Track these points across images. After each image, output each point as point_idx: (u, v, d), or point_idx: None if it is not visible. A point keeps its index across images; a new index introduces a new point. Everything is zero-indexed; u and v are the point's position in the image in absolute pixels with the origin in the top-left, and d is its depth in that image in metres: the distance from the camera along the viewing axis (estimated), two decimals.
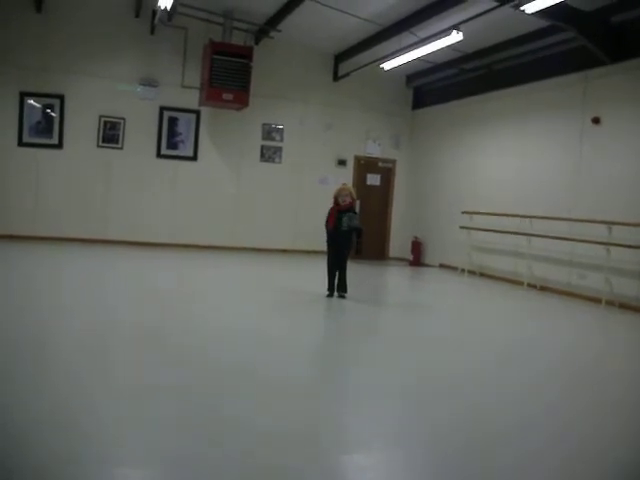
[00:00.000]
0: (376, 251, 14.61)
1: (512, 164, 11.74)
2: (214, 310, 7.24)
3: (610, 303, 9.26)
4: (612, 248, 9.15)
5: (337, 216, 8.12)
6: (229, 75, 12.07)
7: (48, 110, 12.30)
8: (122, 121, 12.75)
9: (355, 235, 8.24)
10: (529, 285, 10.84)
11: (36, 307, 6.50)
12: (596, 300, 9.46)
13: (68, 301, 6.98)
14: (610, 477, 3.34)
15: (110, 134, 12.70)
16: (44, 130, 12.30)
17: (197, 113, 13.26)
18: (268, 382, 4.54)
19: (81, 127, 12.50)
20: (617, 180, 9.42)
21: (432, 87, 14.32)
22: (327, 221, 8.25)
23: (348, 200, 8.21)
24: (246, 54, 12.22)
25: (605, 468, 3.42)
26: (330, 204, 8.35)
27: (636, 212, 8.98)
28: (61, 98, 12.31)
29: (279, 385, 4.50)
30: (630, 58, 9.17)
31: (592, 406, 4.53)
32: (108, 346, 5.19)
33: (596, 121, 9.81)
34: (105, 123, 12.66)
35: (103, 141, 12.69)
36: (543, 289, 10.67)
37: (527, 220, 10.85)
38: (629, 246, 8.85)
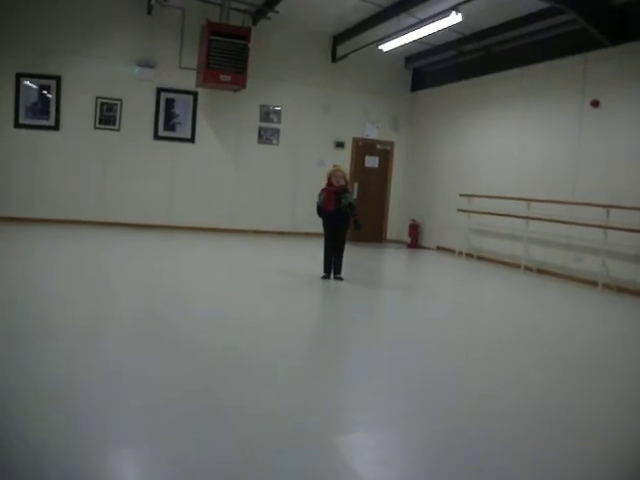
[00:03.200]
0: (373, 233, 14.62)
1: (511, 147, 11.71)
2: (209, 292, 7.25)
3: (607, 286, 9.29)
4: (609, 231, 9.16)
5: (336, 198, 8.13)
6: (227, 56, 11.96)
7: (44, 91, 12.22)
8: (119, 102, 12.68)
9: (351, 212, 8.22)
10: (526, 268, 10.86)
11: (33, 293, 6.52)
12: (593, 283, 9.49)
13: (65, 287, 6.99)
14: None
15: (107, 116, 12.63)
16: (40, 111, 12.23)
17: (194, 94, 13.19)
18: (263, 364, 4.56)
19: (78, 108, 12.43)
20: (616, 163, 9.41)
21: (431, 69, 14.24)
22: (323, 203, 8.23)
23: (342, 182, 8.22)
24: (244, 35, 12.11)
25: (598, 446, 3.45)
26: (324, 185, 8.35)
27: (635, 195, 8.99)
28: (57, 79, 12.23)
29: (275, 367, 4.52)
30: (630, 41, 9.11)
31: (590, 389, 4.56)
32: (103, 333, 5.19)
33: (595, 104, 9.78)
34: (102, 104, 12.58)
35: (100, 123, 12.62)
36: (540, 272, 10.70)
37: (525, 203, 10.85)
38: (627, 229, 8.85)
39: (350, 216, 8.25)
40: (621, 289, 9.16)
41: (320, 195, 8.32)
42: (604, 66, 9.70)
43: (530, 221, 10.70)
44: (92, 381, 3.89)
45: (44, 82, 12.20)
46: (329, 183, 8.26)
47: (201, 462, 2.93)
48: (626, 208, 8.93)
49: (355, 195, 12.38)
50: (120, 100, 12.69)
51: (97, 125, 12.62)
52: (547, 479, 3.06)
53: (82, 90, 12.40)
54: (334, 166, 8.88)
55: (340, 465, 3.06)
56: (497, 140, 12.14)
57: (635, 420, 4.03)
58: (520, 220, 10.93)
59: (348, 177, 8.60)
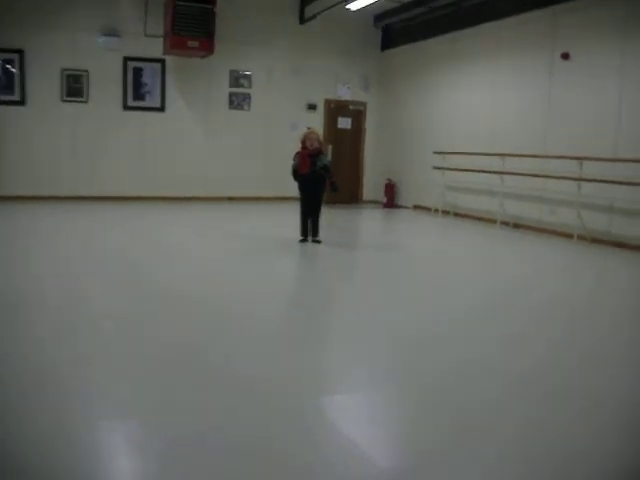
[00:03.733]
0: (349, 194, 14.60)
1: (483, 102, 11.70)
2: (186, 259, 7.23)
3: (582, 238, 9.40)
4: (583, 184, 9.25)
5: (310, 160, 8.13)
6: (193, 21, 11.77)
7: (8, 66, 11.93)
8: (85, 74, 12.43)
9: (326, 174, 8.24)
10: (502, 223, 10.95)
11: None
12: (568, 235, 9.60)
13: (41, 263, 6.93)
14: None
15: (74, 87, 12.38)
16: (5, 87, 11.94)
17: (162, 62, 12.97)
18: (244, 327, 4.61)
19: (43, 82, 12.17)
20: (587, 115, 9.46)
21: (400, 27, 14.10)
22: (299, 166, 8.22)
23: (316, 145, 8.22)
24: None
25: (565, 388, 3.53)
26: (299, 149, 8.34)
27: (606, 147, 9.06)
28: (20, 53, 11.92)
29: (257, 330, 4.56)
30: None
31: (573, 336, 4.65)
32: (83, 302, 5.18)
33: (565, 57, 9.78)
34: (68, 76, 12.33)
35: (67, 95, 12.38)
36: (517, 226, 10.79)
37: (499, 158, 10.89)
38: (600, 181, 8.94)
39: (326, 178, 8.27)
40: (596, 240, 9.28)
41: (295, 158, 8.31)
42: (573, 18, 9.67)
43: (504, 176, 10.76)
44: (79, 346, 3.89)
45: (7, 56, 11.89)
46: (303, 146, 8.24)
47: (186, 426, 2.96)
48: (598, 159, 9.02)
49: (329, 157, 12.34)
50: (86, 71, 12.44)
51: (64, 98, 12.39)
52: (530, 436, 3.12)
53: (47, 62, 12.12)
54: (307, 129, 8.87)
55: (326, 426, 3.10)
56: (469, 96, 12.11)
57: (613, 365, 4.12)
58: (494, 175, 10.98)
59: (322, 139, 8.60)
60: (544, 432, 3.08)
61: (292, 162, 8.33)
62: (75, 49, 12.27)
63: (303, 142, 8.25)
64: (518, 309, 5.59)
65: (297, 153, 8.29)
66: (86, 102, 12.53)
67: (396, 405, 3.44)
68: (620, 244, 8.96)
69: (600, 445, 2.98)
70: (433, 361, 4.09)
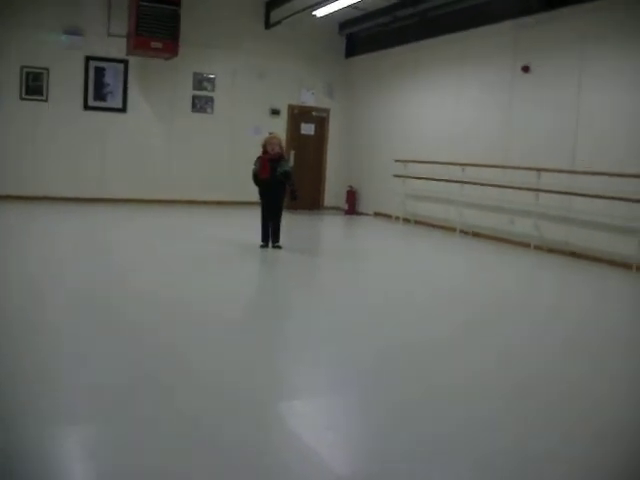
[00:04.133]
0: (311, 201, 14.62)
1: (445, 112, 11.84)
2: (144, 264, 7.15)
3: (539, 247, 9.57)
4: (541, 194, 9.43)
5: (270, 165, 8.10)
6: (157, 23, 11.67)
7: None
8: (45, 72, 12.23)
9: (287, 182, 8.21)
10: (462, 231, 11.08)
11: None
12: (526, 245, 9.76)
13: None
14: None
15: (34, 86, 12.18)
16: None
17: (125, 63, 12.83)
18: (201, 333, 4.58)
19: (2, 79, 11.92)
20: (546, 127, 9.64)
21: (365, 35, 14.18)
22: (259, 171, 8.19)
23: (277, 149, 8.19)
24: (174, 0, 11.83)
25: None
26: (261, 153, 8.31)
27: (564, 159, 9.25)
28: None
29: (214, 335, 4.55)
30: (561, 6, 9.26)
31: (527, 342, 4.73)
32: (42, 307, 5.09)
33: (526, 69, 9.96)
34: (27, 74, 12.12)
35: (26, 93, 12.16)
36: (476, 235, 10.93)
37: (459, 168, 11.03)
38: (557, 192, 9.13)
39: (286, 185, 8.24)
40: (552, 250, 9.45)
41: (256, 163, 8.28)
42: (535, 31, 9.85)
43: (464, 185, 10.90)
44: (31, 356, 3.83)
45: None
46: (264, 151, 8.21)
47: (143, 436, 2.93)
48: (556, 171, 9.20)
49: (291, 163, 12.35)
50: (47, 69, 12.24)
51: (23, 96, 12.17)
52: (486, 440, 3.17)
53: (5, 59, 11.88)
54: (269, 134, 8.85)
55: (285, 433, 3.09)
56: (431, 105, 12.24)
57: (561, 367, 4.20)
58: (454, 184, 11.11)
59: (284, 144, 8.58)
60: (516, 446, 3.12)
61: (253, 167, 8.31)
62: (36, 46, 12.05)
63: (264, 147, 8.22)
64: (461, 313, 5.66)
65: (258, 158, 8.27)
66: (46, 101, 12.32)
67: (356, 411, 3.44)
68: (576, 254, 9.13)
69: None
70: (394, 367, 4.11)
